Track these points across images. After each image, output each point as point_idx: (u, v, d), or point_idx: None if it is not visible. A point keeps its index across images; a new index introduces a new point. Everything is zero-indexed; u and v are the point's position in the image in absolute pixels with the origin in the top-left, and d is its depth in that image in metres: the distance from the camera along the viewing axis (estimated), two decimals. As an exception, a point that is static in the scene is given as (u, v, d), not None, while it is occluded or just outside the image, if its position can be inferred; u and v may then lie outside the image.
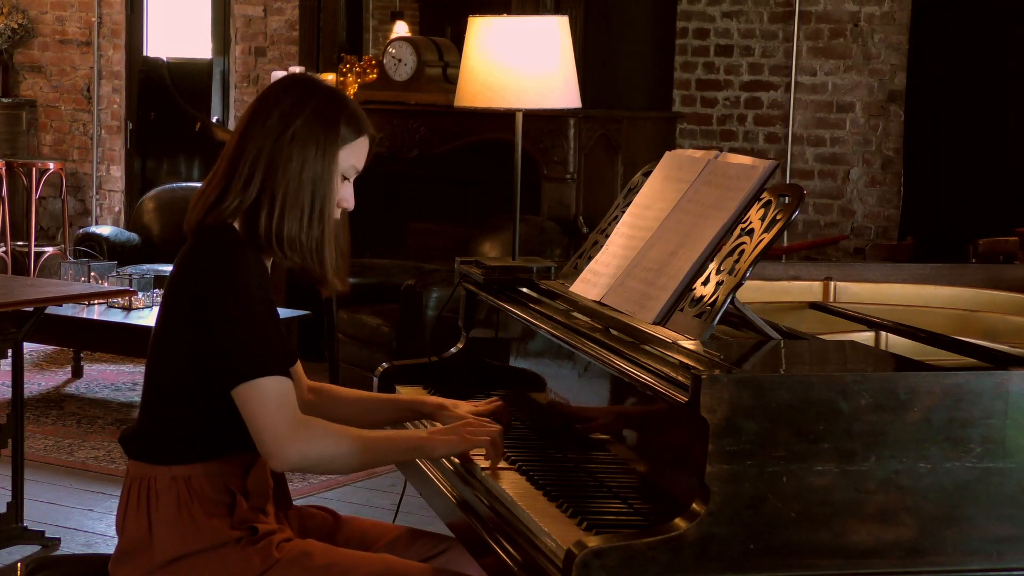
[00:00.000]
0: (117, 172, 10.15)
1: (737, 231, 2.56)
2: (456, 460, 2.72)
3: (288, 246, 2.57)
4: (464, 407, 2.86)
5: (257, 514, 2.59)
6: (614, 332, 2.64)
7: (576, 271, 3.07)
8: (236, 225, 2.58)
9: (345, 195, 2.64)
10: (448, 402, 2.87)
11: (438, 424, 2.82)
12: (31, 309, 4.61)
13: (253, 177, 2.56)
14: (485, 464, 2.63)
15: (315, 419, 2.54)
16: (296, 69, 7.76)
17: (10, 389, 4.80)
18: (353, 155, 2.63)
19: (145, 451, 2.61)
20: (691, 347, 2.41)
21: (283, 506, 2.72)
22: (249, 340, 2.46)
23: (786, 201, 2.52)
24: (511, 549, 2.34)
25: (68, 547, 4.78)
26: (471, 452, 2.66)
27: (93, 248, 8.05)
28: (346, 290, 2.69)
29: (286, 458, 2.48)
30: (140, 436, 2.63)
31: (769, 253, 2.51)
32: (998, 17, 7.23)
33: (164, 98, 10.04)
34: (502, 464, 2.62)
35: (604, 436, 2.63)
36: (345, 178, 2.63)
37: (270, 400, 2.46)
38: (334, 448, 2.51)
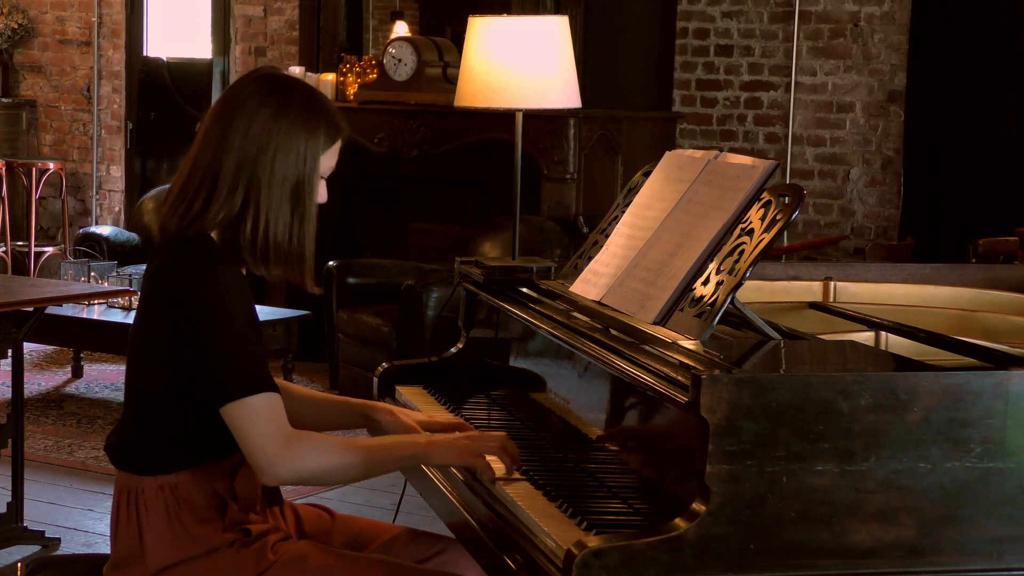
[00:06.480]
0: (117, 172, 10.15)
1: (737, 231, 2.56)
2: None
3: (273, 257, 2.54)
4: (413, 416, 2.85)
5: (248, 514, 2.58)
6: (614, 332, 2.64)
7: (576, 271, 3.06)
8: (213, 235, 2.55)
9: (320, 192, 2.62)
10: (398, 410, 2.86)
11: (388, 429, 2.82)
12: (31, 309, 4.61)
13: (236, 188, 2.52)
14: (501, 470, 2.59)
15: (307, 434, 2.51)
16: (296, 69, 7.76)
17: (10, 389, 4.79)
18: (330, 157, 2.61)
19: (130, 461, 2.59)
20: (691, 347, 2.40)
21: (273, 502, 2.70)
22: (235, 358, 2.44)
23: (786, 201, 2.52)
24: (511, 549, 2.33)
25: (68, 547, 4.77)
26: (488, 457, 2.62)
27: (93, 248, 8.05)
28: (317, 292, 2.69)
29: (277, 476, 2.46)
30: (124, 445, 2.61)
31: (769, 253, 2.51)
32: (998, 17, 7.23)
33: (164, 98, 10.03)
34: (498, 464, 2.60)
35: (604, 436, 2.63)
36: (321, 177, 2.62)
37: (259, 418, 2.43)
38: (327, 462, 2.48)
